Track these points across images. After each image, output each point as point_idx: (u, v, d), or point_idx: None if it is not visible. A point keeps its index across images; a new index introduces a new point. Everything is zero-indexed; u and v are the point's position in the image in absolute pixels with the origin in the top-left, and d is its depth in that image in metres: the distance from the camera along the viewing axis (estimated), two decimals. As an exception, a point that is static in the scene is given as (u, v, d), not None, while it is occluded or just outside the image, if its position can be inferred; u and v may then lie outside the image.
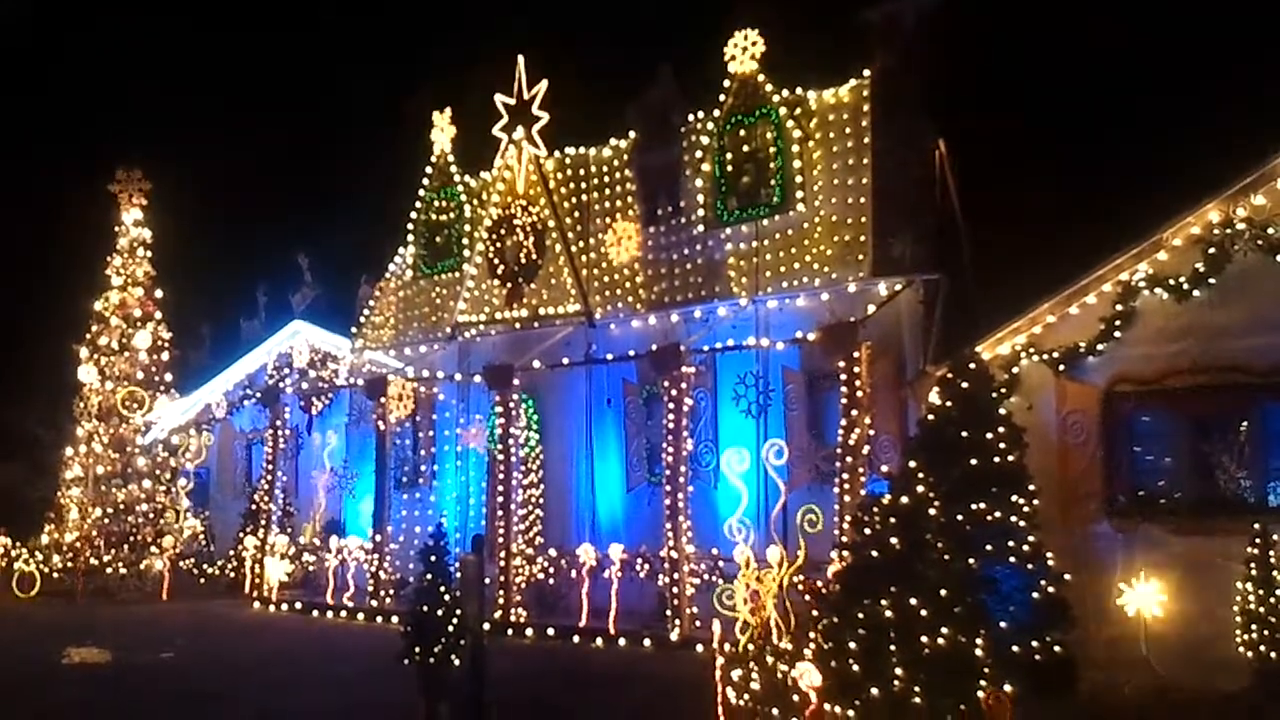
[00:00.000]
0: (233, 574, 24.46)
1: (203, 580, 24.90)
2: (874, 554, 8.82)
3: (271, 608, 21.29)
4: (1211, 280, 13.44)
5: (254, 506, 23.91)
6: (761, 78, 17.89)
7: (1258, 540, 12.08)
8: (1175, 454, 13.93)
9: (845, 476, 15.20)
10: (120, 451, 26.09)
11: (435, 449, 22.44)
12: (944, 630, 8.30)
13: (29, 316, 34.34)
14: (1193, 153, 14.63)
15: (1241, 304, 13.33)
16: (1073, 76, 17.98)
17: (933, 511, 9.30)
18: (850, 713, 8.27)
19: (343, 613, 20.08)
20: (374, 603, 19.71)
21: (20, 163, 38.24)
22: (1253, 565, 12.06)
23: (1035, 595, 11.81)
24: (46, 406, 27.80)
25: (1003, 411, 12.06)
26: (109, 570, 24.39)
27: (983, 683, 8.05)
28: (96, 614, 20.98)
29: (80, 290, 27.57)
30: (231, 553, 25.07)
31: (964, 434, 11.23)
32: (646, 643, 16.07)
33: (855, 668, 8.37)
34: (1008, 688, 8.07)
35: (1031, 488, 11.50)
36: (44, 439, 28.40)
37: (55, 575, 24.02)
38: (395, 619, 13.92)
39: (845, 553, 9.26)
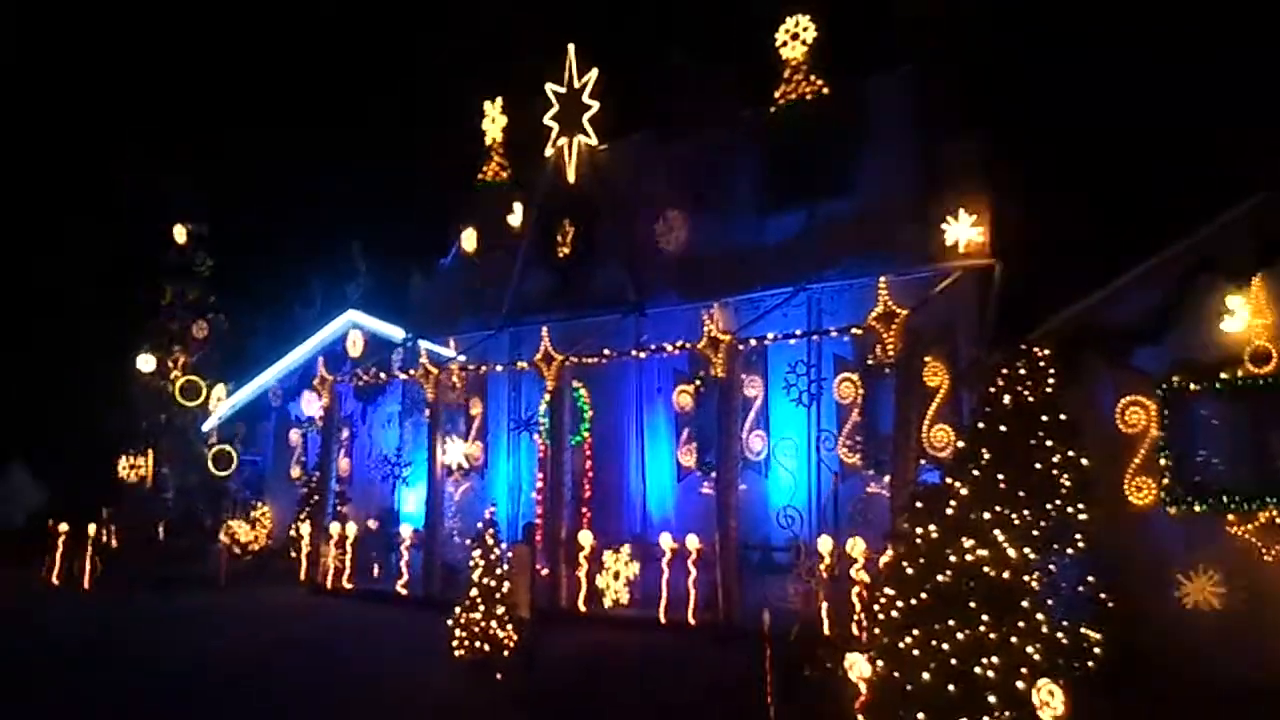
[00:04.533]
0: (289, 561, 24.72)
1: (256, 567, 25.18)
2: (926, 545, 8.72)
3: (326, 595, 21.48)
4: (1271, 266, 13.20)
5: (309, 494, 24.12)
6: (812, 63, 17.76)
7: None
8: (1234, 444, 13.67)
9: (898, 466, 15.04)
10: (178, 439, 26.45)
11: (487, 437, 22.56)
12: (998, 622, 8.20)
13: (84, 307, 34.87)
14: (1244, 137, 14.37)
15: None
16: (1127, 59, 17.70)
17: (987, 501, 9.19)
18: (901, 704, 8.19)
19: (396, 600, 20.22)
20: (425, 590, 19.81)
21: (78, 150, 38.77)
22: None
23: (1091, 587, 11.69)
24: (107, 395, 28.14)
25: (1058, 402, 11.92)
26: (169, 559, 24.73)
27: (1035, 673, 7.96)
28: (156, 600, 21.28)
29: (140, 281, 27.99)
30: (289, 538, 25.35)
31: (1018, 424, 11.10)
32: (696, 632, 16.03)
33: (906, 660, 8.28)
34: (1061, 680, 7.96)
35: (1088, 479, 11.36)
36: (105, 429, 28.81)
37: (116, 561, 24.37)
38: (448, 605, 13.98)
39: (898, 543, 9.16)
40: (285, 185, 37.39)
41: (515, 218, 22.48)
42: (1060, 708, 7.57)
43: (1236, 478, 13.47)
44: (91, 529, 23.43)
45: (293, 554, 23.95)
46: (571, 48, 20.56)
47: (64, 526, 23.70)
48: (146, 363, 26.59)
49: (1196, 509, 13.49)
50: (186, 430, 26.85)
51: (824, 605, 13.94)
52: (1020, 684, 7.94)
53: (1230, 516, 13.26)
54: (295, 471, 27.28)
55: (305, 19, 42.30)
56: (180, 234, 27.50)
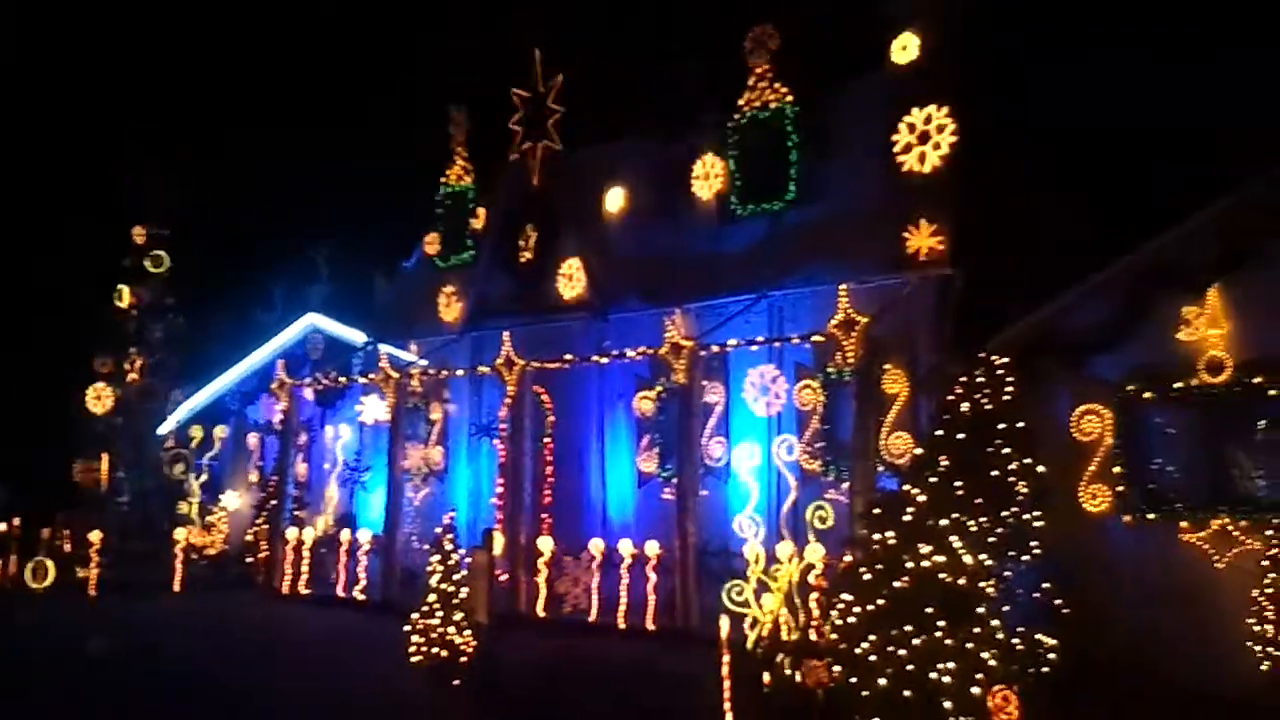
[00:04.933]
0: (246, 566, 24.50)
1: (212, 573, 24.94)
2: (884, 551, 8.76)
3: (283, 600, 21.30)
4: (1227, 276, 13.38)
5: (267, 499, 23.91)
6: (777, 71, 17.85)
7: (1274, 539, 12.01)
8: (1188, 453, 13.83)
9: (857, 473, 15.10)
10: (134, 444, 26.18)
11: (447, 443, 22.47)
12: (954, 628, 8.24)
13: (42, 307, 34.44)
14: (1209, 146, 14.57)
15: (1258, 300, 13.27)
16: (1088, 70, 17.89)
17: (943, 508, 9.24)
18: (858, 709, 8.22)
19: (353, 605, 20.09)
20: (383, 596, 19.69)
21: (33, 153, 38.30)
22: (1268, 564, 12.00)
23: (1046, 593, 11.78)
24: (62, 399, 27.78)
25: (1015, 410, 11.99)
26: (123, 562, 24.45)
27: (991, 679, 8.01)
28: (109, 607, 21.02)
29: (97, 283, 27.70)
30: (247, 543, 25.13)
31: (976, 432, 11.15)
32: (655, 638, 16.03)
33: (863, 665, 8.31)
34: (1016, 685, 8.02)
35: (1044, 486, 11.43)
36: (60, 432, 28.45)
37: (70, 566, 24.05)
38: (406, 611, 13.91)
39: (856, 549, 9.20)
40: (245, 186, 37.12)
41: (478, 222, 22.43)
42: (1015, 713, 7.62)
43: (1190, 486, 13.64)
44: (45, 533, 23.12)
45: (250, 559, 23.75)
46: (537, 53, 20.55)
47: (16, 530, 23.36)
48: (103, 365, 26.30)
49: (1150, 517, 13.64)
50: (143, 434, 26.56)
51: (783, 612, 13.94)
52: (976, 689, 7.99)
53: (1184, 524, 13.42)
54: (253, 476, 27.06)
55: (267, 19, 41.98)
56: (139, 235, 27.22)
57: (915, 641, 8.22)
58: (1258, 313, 13.29)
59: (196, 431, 27.76)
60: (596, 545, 17.26)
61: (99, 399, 26.21)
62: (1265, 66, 16.15)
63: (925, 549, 8.63)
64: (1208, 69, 16.83)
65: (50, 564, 23.22)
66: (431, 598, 13.14)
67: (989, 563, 9.67)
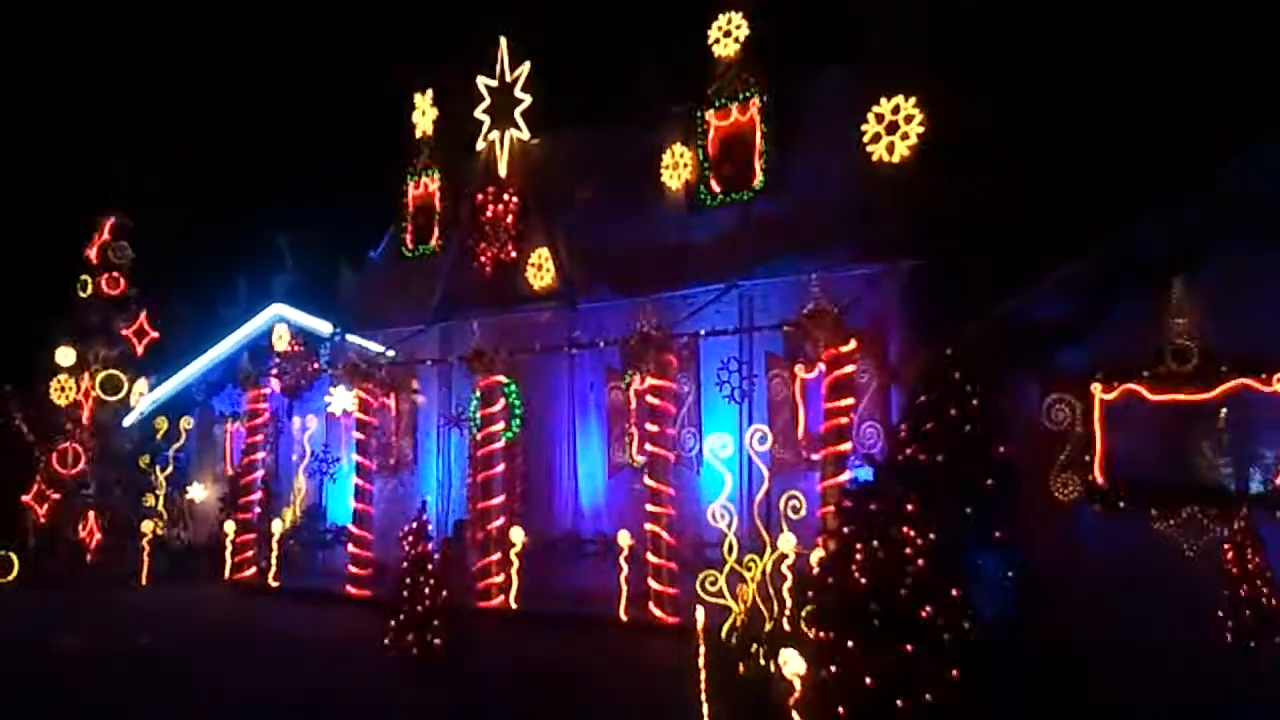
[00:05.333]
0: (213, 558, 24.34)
1: (179, 565, 24.77)
2: (857, 540, 8.77)
3: (252, 593, 21.19)
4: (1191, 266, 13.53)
5: (233, 490, 23.74)
6: (745, 61, 17.84)
7: (1239, 526, 12.12)
8: (1156, 442, 13.97)
9: (829, 462, 15.15)
10: (99, 435, 25.92)
11: (416, 433, 22.37)
12: (928, 617, 8.27)
13: (6, 298, 34.03)
14: (1178, 139, 14.70)
15: (1224, 291, 13.40)
16: (1059, 54, 17.97)
17: (916, 497, 9.27)
18: (834, 700, 8.24)
19: (324, 598, 20.01)
20: (353, 588, 19.61)
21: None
22: (1232, 551, 12.12)
23: (1017, 582, 11.84)
24: (23, 389, 27.42)
25: (985, 399, 12.05)
26: (88, 555, 24.26)
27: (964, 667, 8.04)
28: (76, 599, 20.86)
29: (59, 272, 27.35)
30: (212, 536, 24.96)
31: (947, 420, 11.20)
32: (628, 629, 16.03)
33: (839, 655, 8.33)
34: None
35: (1014, 474, 11.50)
36: (22, 423, 28.11)
37: (34, 560, 23.83)
38: (377, 603, 13.86)
39: (829, 539, 9.21)
40: (210, 176, 36.76)
41: (447, 210, 22.33)
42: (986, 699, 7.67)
43: (1159, 475, 13.77)
44: (9, 528, 22.90)
45: (217, 551, 23.58)
46: (504, 41, 20.45)
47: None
48: (66, 356, 26.00)
49: (1120, 505, 13.77)
50: (107, 426, 26.29)
51: (757, 602, 13.97)
52: (949, 677, 8.02)
53: (1153, 512, 13.55)
54: (220, 468, 26.86)
55: (229, 10, 41.62)
56: (104, 225, 26.91)
57: (889, 630, 8.23)
58: (1223, 302, 13.42)
59: (162, 423, 27.51)
60: (568, 536, 17.27)
61: (62, 390, 25.89)
62: (1231, 65, 16.30)
63: (897, 538, 8.64)
64: (1175, 66, 16.94)
65: (14, 557, 23.03)
66: (403, 590, 13.07)
67: (961, 551, 9.70)
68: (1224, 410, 13.46)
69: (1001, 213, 16.05)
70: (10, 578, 22.78)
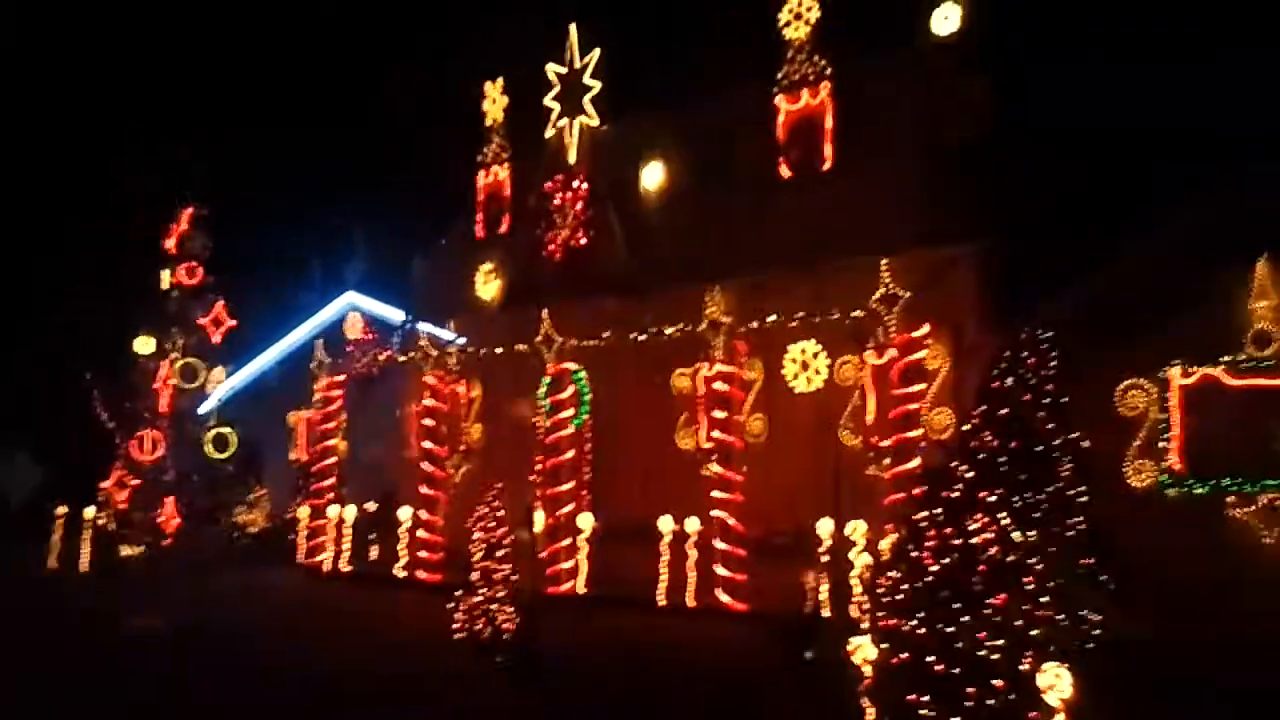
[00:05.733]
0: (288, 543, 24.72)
1: (254, 550, 25.20)
2: (929, 527, 8.69)
3: (325, 577, 21.48)
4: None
5: (306, 477, 24.07)
6: (816, 43, 17.71)
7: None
8: (1234, 427, 13.69)
9: (900, 449, 15.02)
10: (176, 423, 26.44)
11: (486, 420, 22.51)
12: (1000, 604, 8.18)
13: (84, 289, 34.72)
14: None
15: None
16: (1135, 50, 17.67)
17: (988, 483, 9.16)
18: (905, 687, 8.18)
19: (396, 582, 20.23)
20: (424, 573, 19.81)
21: (79, 133, 38.61)
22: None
23: (1092, 569, 11.67)
24: (103, 379, 28.03)
25: (1058, 384, 11.88)
26: (165, 540, 24.79)
27: (1039, 655, 7.94)
28: (153, 583, 21.28)
29: (139, 263, 27.90)
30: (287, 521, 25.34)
31: (1019, 406, 11.06)
32: (697, 615, 16.03)
33: (910, 642, 8.26)
34: (1065, 663, 7.94)
35: (1089, 461, 11.34)
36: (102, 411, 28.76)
37: (112, 545, 24.34)
38: (448, 588, 13.98)
39: (900, 525, 9.13)
40: (283, 166, 37.24)
41: (517, 197, 22.42)
42: (1068, 690, 7.55)
43: (1236, 461, 13.50)
44: (89, 513, 23.40)
45: (290, 536, 23.94)
46: (573, 27, 20.47)
47: (61, 510, 23.67)
48: (145, 345, 26.54)
49: (1196, 491, 13.51)
50: (185, 413, 26.81)
51: (826, 588, 13.91)
52: (1025, 665, 7.92)
53: (1230, 499, 13.28)
54: (293, 454, 27.25)
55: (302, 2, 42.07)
56: (181, 216, 27.41)
57: (963, 618, 8.15)
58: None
59: (237, 411, 28.02)
60: (636, 521, 17.27)
61: (142, 378, 26.46)
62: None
63: (972, 525, 8.55)
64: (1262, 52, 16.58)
65: (94, 544, 23.55)
66: (474, 575, 13.18)
67: (1035, 538, 9.58)
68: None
69: (1078, 194, 15.80)
70: (91, 563, 23.31)
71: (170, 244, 27.30)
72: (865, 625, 8.85)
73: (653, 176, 20.16)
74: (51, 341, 33.59)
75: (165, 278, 27.13)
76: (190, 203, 27.39)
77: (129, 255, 29.17)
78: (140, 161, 29.43)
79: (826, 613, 13.42)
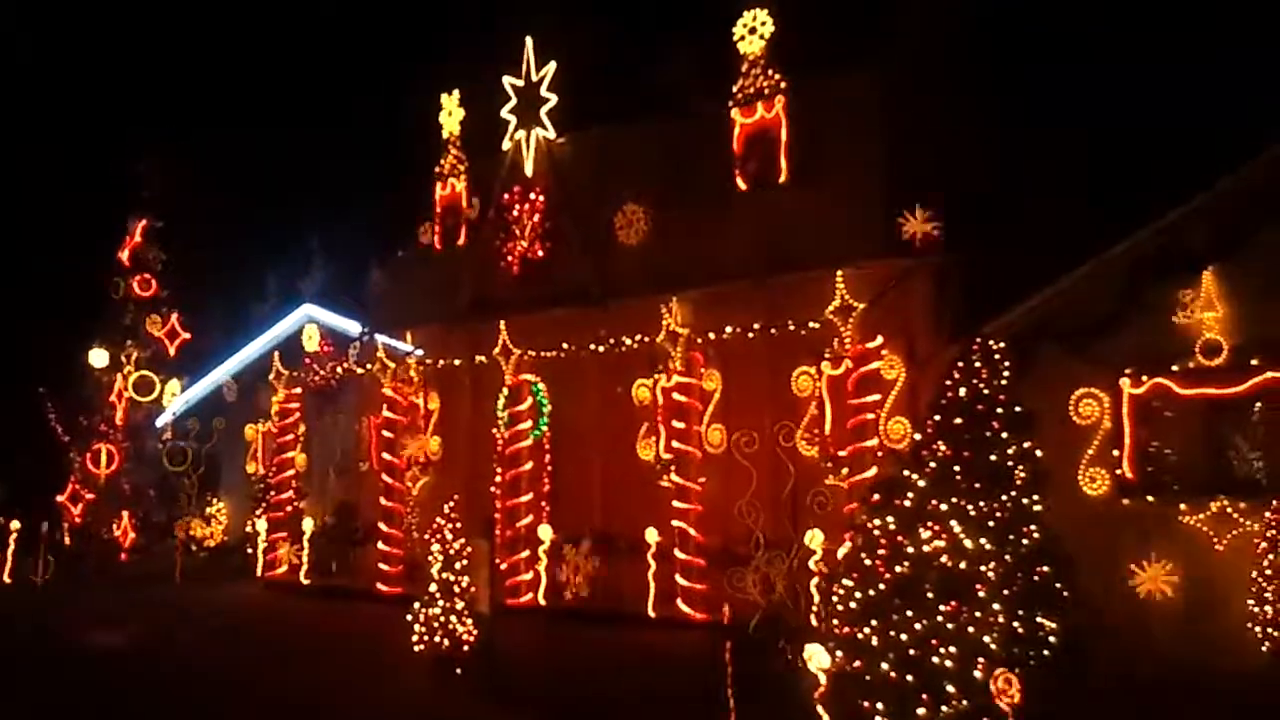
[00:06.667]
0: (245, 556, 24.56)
1: (211, 564, 25.03)
2: (883, 536, 8.79)
3: (283, 590, 21.36)
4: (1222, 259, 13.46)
5: (265, 490, 23.93)
6: (770, 57, 17.83)
7: (1272, 521, 12.08)
8: (1186, 435, 13.89)
9: (855, 459, 15.16)
10: (132, 436, 26.21)
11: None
12: (955, 612, 8.28)
13: (36, 302, 34.37)
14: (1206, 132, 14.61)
15: (1254, 284, 13.32)
16: (1085, 51, 17.92)
17: (943, 492, 9.27)
18: (860, 694, 8.25)
19: (355, 595, 20.14)
20: (384, 585, 19.74)
21: (31, 145, 38.20)
22: (1265, 546, 12.07)
23: (1046, 576, 11.80)
24: (57, 392, 27.72)
25: (1013, 394, 12.02)
26: (121, 554, 24.56)
27: (992, 662, 8.04)
28: (109, 597, 21.07)
29: (92, 275, 27.66)
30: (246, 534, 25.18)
31: (974, 416, 11.17)
32: (656, 625, 16.08)
33: (865, 650, 8.34)
34: (1016, 669, 8.04)
35: (1043, 470, 11.47)
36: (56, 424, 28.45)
37: (69, 559, 24.11)
38: (407, 601, 13.96)
39: (856, 534, 9.23)
40: (238, 178, 37.03)
41: (473, 211, 22.38)
42: (1016, 696, 7.65)
43: (1188, 469, 13.70)
44: (44, 527, 23.15)
45: (249, 550, 23.79)
46: (529, 40, 20.51)
47: (15, 525, 23.42)
48: (99, 358, 26.30)
49: (1149, 499, 13.70)
50: (140, 427, 26.58)
51: (783, 597, 14.01)
52: (978, 673, 8.02)
53: (1183, 506, 13.48)
54: (251, 467, 27.09)
55: (257, 15, 41.93)
56: (135, 228, 27.19)
57: (916, 626, 8.25)
58: (1253, 296, 13.34)
59: (194, 423, 27.81)
60: (596, 533, 17.32)
61: (96, 392, 26.21)
62: (1260, 62, 16.23)
63: (925, 534, 8.66)
64: (1207, 63, 16.88)
65: (50, 557, 23.31)
66: (432, 587, 13.17)
67: (988, 546, 9.69)
68: (1259, 404, 13.37)
69: (1031, 206, 16.00)
70: (47, 577, 23.07)
71: (124, 256, 27.06)
72: (822, 633, 8.94)
73: (609, 188, 20.13)
74: (3, 355, 33.15)
75: (119, 289, 26.89)
76: (143, 215, 27.16)
77: (82, 267, 28.93)
78: (92, 173, 29.23)
79: (785, 621, 13.50)
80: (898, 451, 14.82)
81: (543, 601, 17.75)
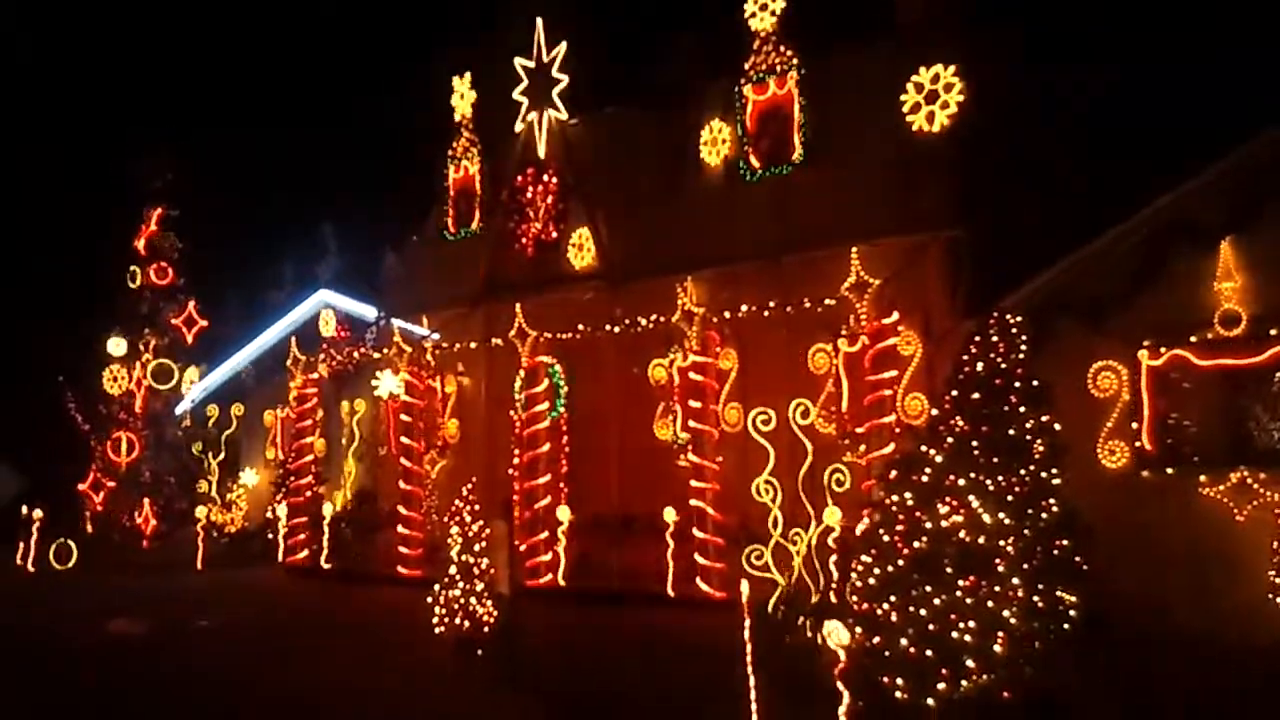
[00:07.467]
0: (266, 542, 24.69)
1: (233, 550, 25.18)
2: (901, 512, 8.78)
3: (304, 575, 21.46)
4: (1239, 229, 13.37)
5: (284, 475, 24.03)
6: (782, 33, 17.75)
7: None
8: (1205, 407, 13.82)
9: (873, 435, 15.13)
10: (152, 424, 26.33)
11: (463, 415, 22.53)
12: (974, 586, 8.27)
13: (54, 294, 34.56)
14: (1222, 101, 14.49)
15: (1273, 253, 13.23)
16: (1102, 21, 17.77)
17: (961, 467, 9.25)
18: (879, 670, 8.26)
19: (374, 579, 20.23)
20: (404, 569, 19.82)
21: (47, 135, 38.38)
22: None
23: (1065, 550, 11.77)
24: (76, 380, 27.86)
25: (1030, 368, 11.98)
26: (144, 542, 24.73)
27: (1012, 637, 8.04)
28: (133, 584, 21.20)
29: (109, 264, 27.74)
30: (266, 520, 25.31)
31: (991, 390, 11.13)
32: (675, 605, 16.10)
33: (884, 626, 8.34)
34: (1036, 643, 8.05)
35: (1061, 443, 11.43)
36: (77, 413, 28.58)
37: (90, 548, 24.27)
38: (427, 584, 14.01)
39: (874, 511, 9.21)
40: (253, 164, 37.12)
41: (488, 192, 22.37)
42: (1031, 668, 7.65)
43: (1207, 440, 13.63)
44: (67, 515, 23.36)
45: (270, 535, 23.90)
46: (540, 21, 20.45)
47: (38, 513, 23.62)
48: (117, 346, 26.40)
49: (1168, 471, 13.65)
50: (160, 414, 26.70)
51: (802, 574, 14.01)
52: (998, 647, 8.02)
53: (1202, 478, 13.42)
54: (270, 453, 27.20)
55: (270, 4, 41.93)
56: (151, 217, 27.25)
57: (935, 601, 8.24)
58: (1272, 265, 13.25)
59: (213, 410, 27.96)
60: (614, 513, 17.34)
61: (115, 380, 26.32)
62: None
63: (943, 509, 8.65)
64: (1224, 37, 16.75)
65: (73, 545, 23.49)
66: (452, 569, 13.21)
67: (1007, 521, 9.66)
68: (1279, 374, 13.29)
69: (1047, 179, 15.90)
70: (69, 565, 23.25)
71: (140, 244, 27.14)
72: (840, 609, 8.94)
73: (623, 168, 20.11)
74: (22, 346, 33.34)
75: (136, 278, 26.97)
76: (159, 203, 27.22)
77: (99, 257, 29.01)
78: (109, 163, 29.30)
79: (805, 599, 13.51)
80: (915, 427, 14.78)
81: (562, 582, 17.80)
